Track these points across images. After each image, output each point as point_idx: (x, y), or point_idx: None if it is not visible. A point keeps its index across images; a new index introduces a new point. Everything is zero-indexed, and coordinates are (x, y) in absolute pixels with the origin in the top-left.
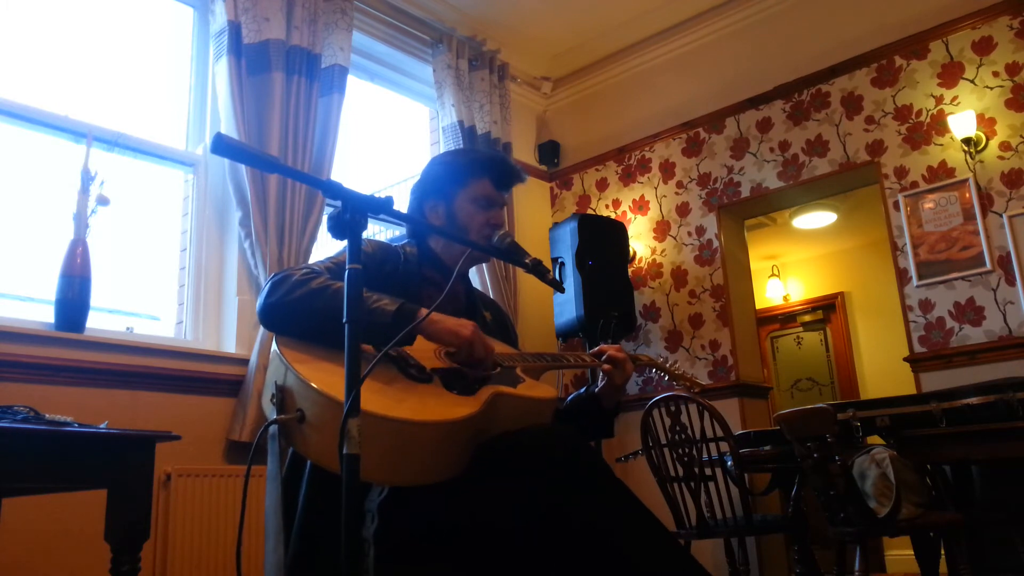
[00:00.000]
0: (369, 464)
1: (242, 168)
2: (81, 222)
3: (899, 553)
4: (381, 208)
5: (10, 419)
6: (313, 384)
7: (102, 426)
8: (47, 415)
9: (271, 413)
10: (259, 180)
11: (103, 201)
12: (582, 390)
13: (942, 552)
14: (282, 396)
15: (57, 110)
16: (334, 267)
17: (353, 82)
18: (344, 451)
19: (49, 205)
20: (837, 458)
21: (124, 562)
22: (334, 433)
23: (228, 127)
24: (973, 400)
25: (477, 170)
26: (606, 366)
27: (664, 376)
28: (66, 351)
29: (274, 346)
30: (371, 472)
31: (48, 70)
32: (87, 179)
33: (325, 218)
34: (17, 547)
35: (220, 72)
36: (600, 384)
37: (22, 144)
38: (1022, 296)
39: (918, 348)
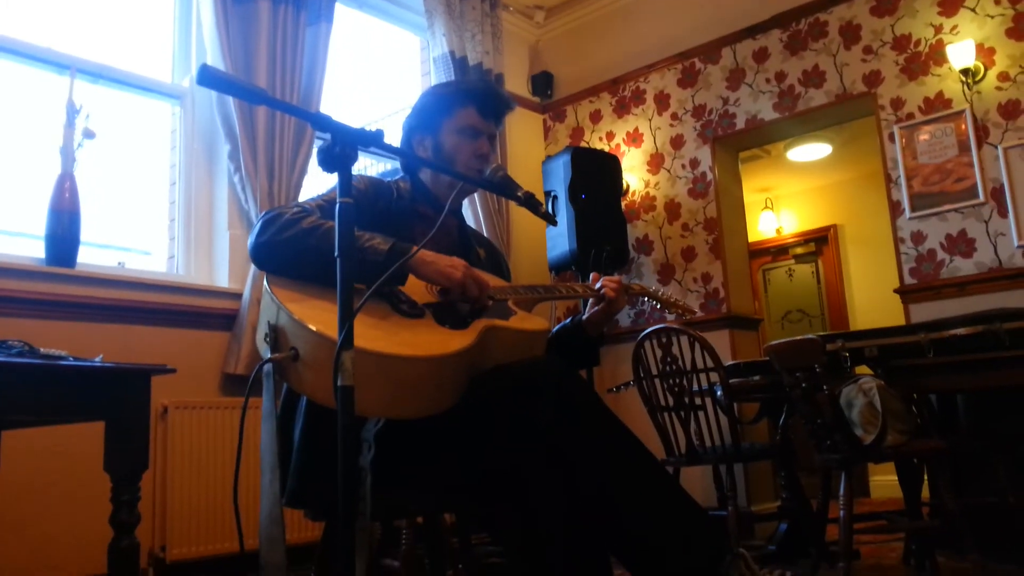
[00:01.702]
0: (364, 400)
1: (230, 100)
2: (68, 156)
3: (883, 479)
4: (371, 141)
5: (5, 353)
6: (306, 323)
7: (96, 360)
8: (41, 349)
9: (265, 352)
10: (247, 113)
11: (89, 134)
12: (567, 320)
13: (925, 478)
14: (275, 335)
15: (40, 41)
16: (326, 204)
17: (341, 10)
18: (339, 383)
19: (35, 139)
20: (825, 388)
21: (124, 492)
22: (328, 370)
23: (214, 58)
24: (960, 331)
25: (461, 99)
26: (609, 292)
27: (657, 304)
28: (58, 286)
29: (265, 285)
30: (366, 408)
31: (29, 0)
32: (72, 112)
33: (315, 151)
34: (18, 476)
35: (204, 0)
36: (587, 313)
37: (5, 76)
38: (1013, 228)
39: (908, 280)
